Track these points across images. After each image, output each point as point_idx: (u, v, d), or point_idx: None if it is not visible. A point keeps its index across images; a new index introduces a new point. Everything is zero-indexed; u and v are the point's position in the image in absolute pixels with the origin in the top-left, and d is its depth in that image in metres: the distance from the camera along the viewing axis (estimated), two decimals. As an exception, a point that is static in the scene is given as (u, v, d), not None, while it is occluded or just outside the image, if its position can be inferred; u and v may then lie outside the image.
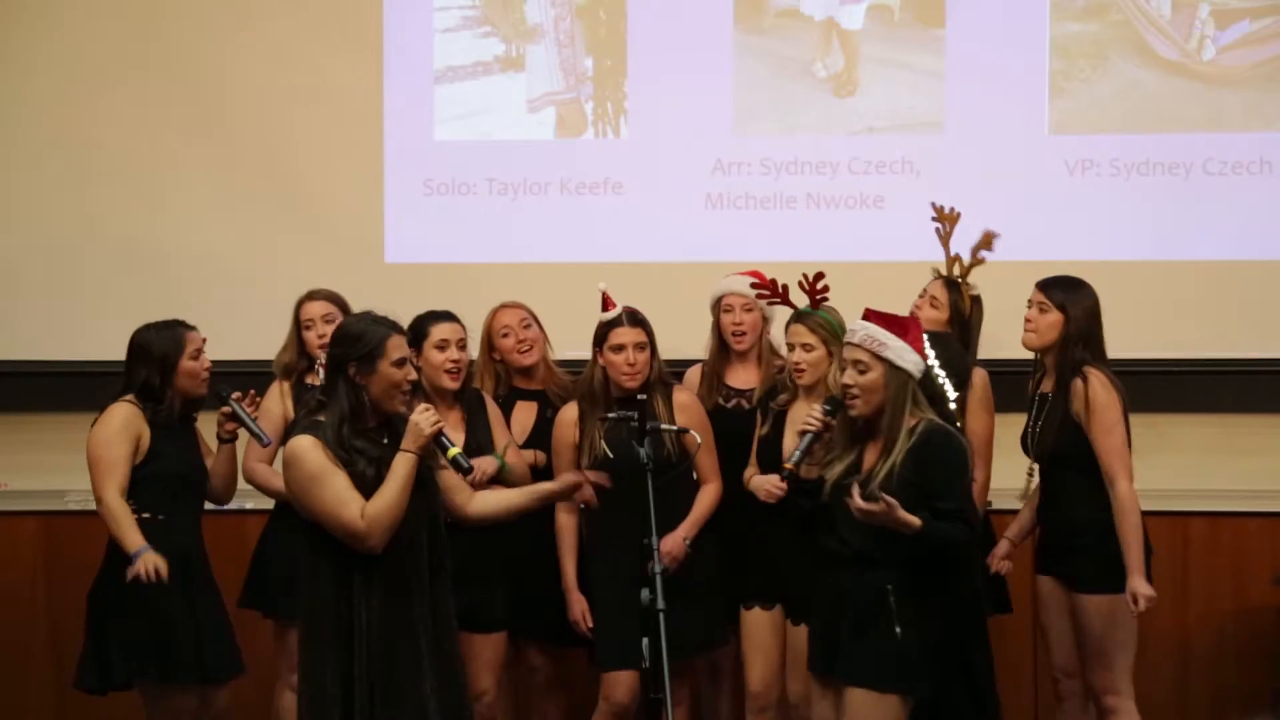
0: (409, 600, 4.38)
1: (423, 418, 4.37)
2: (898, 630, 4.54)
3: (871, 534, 4.52)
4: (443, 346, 5.19)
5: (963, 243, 5.62)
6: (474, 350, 5.49)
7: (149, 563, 4.88)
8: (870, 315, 4.67)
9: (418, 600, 4.39)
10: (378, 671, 4.32)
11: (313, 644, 4.38)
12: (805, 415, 4.63)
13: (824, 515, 4.63)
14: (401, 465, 4.34)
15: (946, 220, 5.64)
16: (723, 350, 5.57)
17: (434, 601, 4.43)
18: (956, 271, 5.57)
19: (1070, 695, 5.27)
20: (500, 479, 5.20)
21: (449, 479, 4.59)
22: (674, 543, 5.19)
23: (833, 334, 5.16)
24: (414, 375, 4.47)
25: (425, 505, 4.45)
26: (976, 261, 5.58)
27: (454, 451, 4.43)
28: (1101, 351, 5.15)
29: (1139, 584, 4.96)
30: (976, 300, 5.55)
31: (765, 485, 5.11)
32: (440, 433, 4.40)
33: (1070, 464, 5.09)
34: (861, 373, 4.59)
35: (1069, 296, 5.14)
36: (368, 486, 4.32)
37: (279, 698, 5.55)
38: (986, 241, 5.58)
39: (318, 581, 4.38)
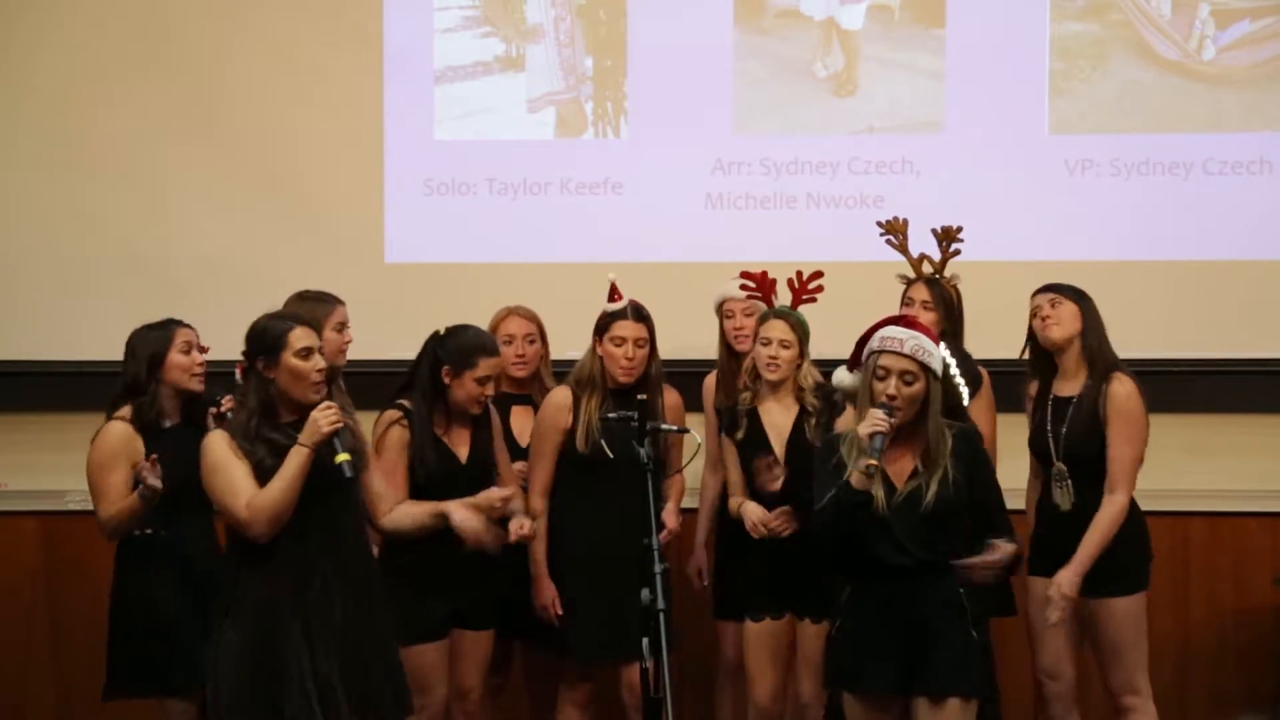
0: (288, 597, 4.45)
1: (322, 415, 4.45)
2: (974, 634, 4.56)
3: (933, 542, 4.50)
4: (483, 382, 5.15)
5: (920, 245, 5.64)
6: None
7: (150, 476, 4.92)
8: (891, 322, 4.61)
9: (303, 597, 4.45)
10: (234, 668, 4.45)
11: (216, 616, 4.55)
12: (868, 420, 4.44)
13: (876, 529, 4.49)
14: (293, 459, 4.43)
15: (896, 230, 5.61)
16: (731, 355, 5.58)
17: (340, 602, 4.48)
18: (928, 269, 5.55)
19: (1055, 697, 5.26)
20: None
21: (376, 485, 4.72)
22: (672, 516, 5.25)
23: (806, 336, 5.20)
24: (321, 365, 4.52)
25: (339, 506, 4.52)
26: (950, 255, 5.55)
27: (342, 458, 4.44)
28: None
29: (1069, 577, 5.00)
30: (958, 292, 5.53)
31: (758, 520, 5.14)
32: (336, 434, 4.44)
33: (1093, 466, 5.08)
34: (909, 383, 4.48)
35: (1077, 294, 5.15)
36: (266, 477, 4.44)
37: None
38: (949, 234, 5.55)
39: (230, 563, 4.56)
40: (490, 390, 5.18)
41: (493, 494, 5.09)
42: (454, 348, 5.15)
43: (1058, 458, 5.17)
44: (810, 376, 5.21)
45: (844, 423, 5.02)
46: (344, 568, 4.52)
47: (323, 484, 4.46)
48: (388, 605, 4.65)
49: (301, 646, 4.43)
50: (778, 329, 5.20)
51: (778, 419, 5.24)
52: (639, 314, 5.32)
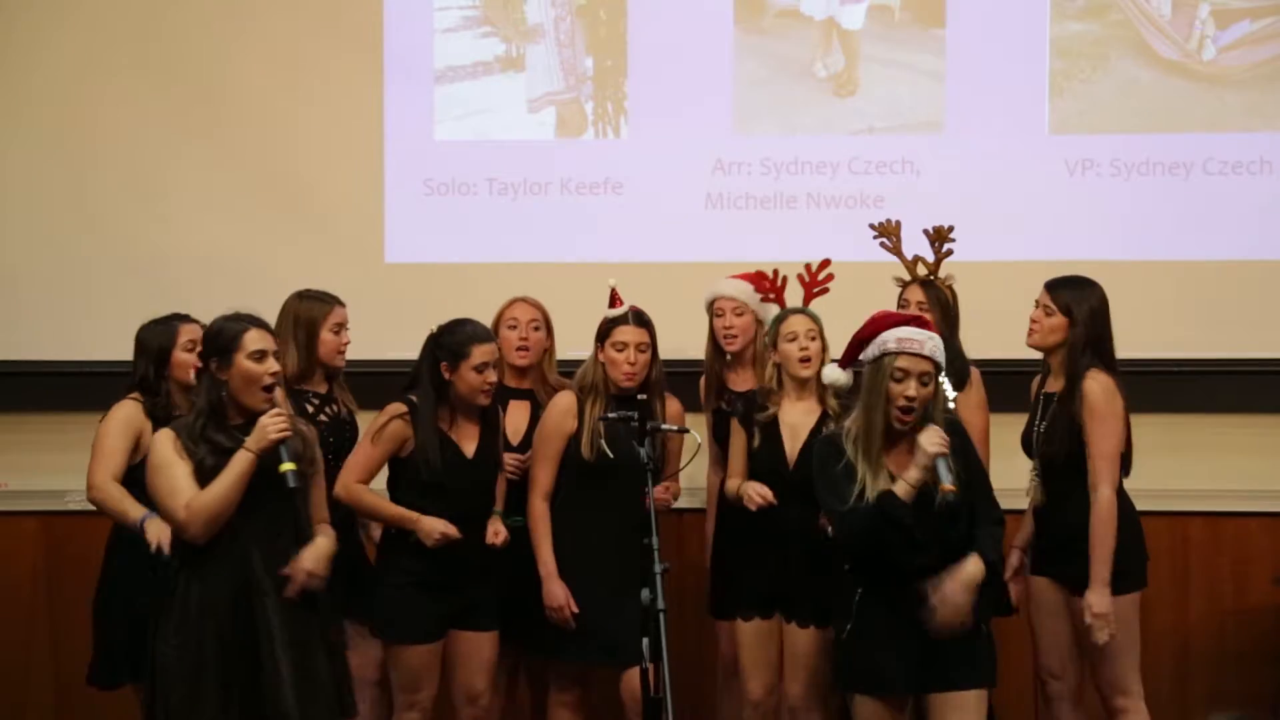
0: (227, 600, 4.41)
1: (271, 422, 4.40)
2: (982, 627, 4.63)
3: (946, 538, 4.53)
4: (481, 369, 5.16)
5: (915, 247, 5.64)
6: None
7: (155, 535, 4.90)
8: (901, 321, 4.61)
9: (240, 602, 4.41)
10: (175, 669, 4.42)
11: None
12: (932, 438, 4.48)
13: (908, 532, 4.51)
14: (236, 462, 4.39)
15: (889, 232, 5.62)
16: (719, 354, 5.58)
17: (274, 609, 4.43)
18: (922, 271, 5.55)
19: (1058, 697, 5.25)
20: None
21: (315, 496, 4.64)
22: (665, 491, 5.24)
23: (822, 329, 5.20)
24: (275, 368, 4.48)
25: (280, 514, 4.47)
26: (943, 255, 5.55)
27: (286, 467, 4.38)
28: (1110, 352, 5.15)
29: (1096, 597, 4.98)
30: (953, 292, 5.53)
31: (754, 491, 5.12)
32: (283, 441, 4.39)
33: (1075, 466, 5.08)
34: (925, 385, 4.53)
35: (1075, 299, 5.14)
36: (207, 477, 4.40)
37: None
38: (941, 234, 5.55)
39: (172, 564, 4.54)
40: (491, 377, 5.18)
41: (435, 526, 5.10)
42: (448, 342, 5.17)
43: (1035, 454, 5.18)
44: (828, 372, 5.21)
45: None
46: (279, 574, 4.47)
47: (266, 490, 4.42)
48: (329, 613, 4.60)
49: (246, 650, 4.40)
50: (801, 323, 5.19)
51: (795, 419, 5.21)
52: (640, 319, 5.32)
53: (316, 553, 4.53)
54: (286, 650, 4.41)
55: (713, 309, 5.59)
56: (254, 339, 4.47)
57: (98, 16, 6.63)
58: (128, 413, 5.13)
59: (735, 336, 5.52)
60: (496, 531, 5.21)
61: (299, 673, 4.42)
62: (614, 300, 5.33)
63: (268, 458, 4.40)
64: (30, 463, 6.56)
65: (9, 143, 6.66)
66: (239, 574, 4.43)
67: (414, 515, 5.13)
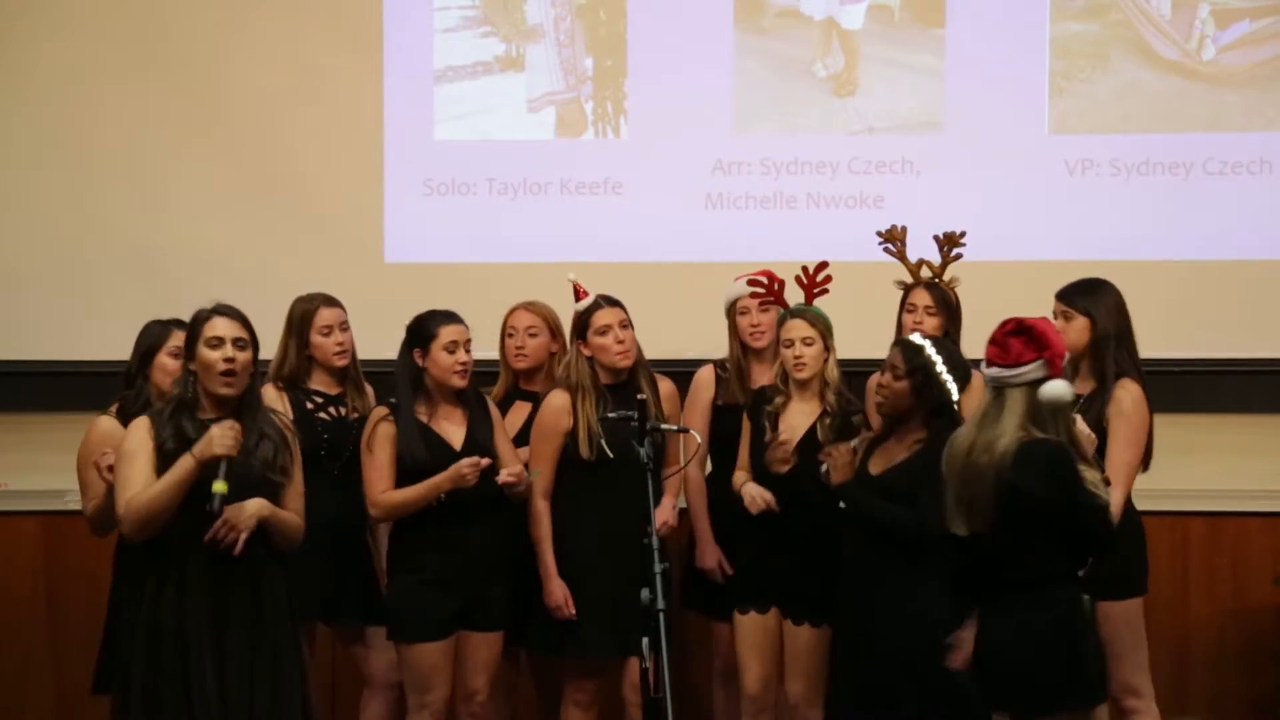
0: (163, 607, 4.42)
1: (220, 434, 4.35)
2: None
3: None
4: (451, 349, 5.17)
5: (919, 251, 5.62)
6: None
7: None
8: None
9: (167, 609, 4.42)
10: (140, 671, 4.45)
11: None
12: (1090, 435, 4.53)
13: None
14: (178, 466, 4.35)
15: (895, 238, 5.61)
16: (744, 351, 5.56)
17: (206, 623, 4.42)
18: (927, 273, 5.53)
19: None
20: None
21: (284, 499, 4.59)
22: (668, 511, 5.25)
23: (828, 329, 5.19)
24: (230, 354, 4.43)
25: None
26: (951, 259, 5.53)
27: (218, 486, 4.30)
28: (1134, 350, 5.15)
29: None
30: (956, 295, 5.51)
31: (758, 495, 5.14)
32: (227, 459, 4.32)
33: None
34: None
35: (1091, 300, 5.14)
36: (167, 461, 4.39)
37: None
38: (952, 240, 5.54)
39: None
40: (463, 356, 5.17)
41: (461, 467, 5.06)
42: (416, 331, 5.20)
43: None
44: (834, 373, 5.21)
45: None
46: (216, 590, 4.43)
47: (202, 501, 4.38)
48: (287, 634, 4.56)
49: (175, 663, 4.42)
50: (797, 328, 5.20)
51: (794, 420, 5.22)
52: (611, 300, 5.34)
53: (240, 507, 4.42)
54: (246, 670, 4.43)
55: (736, 308, 5.56)
56: (212, 326, 4.48)
57: (98, 16, 6.63)
58: (101, 432, 5.02)
59: (763, 333, 5.50)
60: (511, 473, 5.15)
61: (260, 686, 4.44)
62: (578, 294, 5.34)
63: (207, 470, 4.35)
64: (30, 463, 6.56)
65: (9, 143, 6.66)
66: (161, 581, 4.42)
67: (439, 477, 5.08)
